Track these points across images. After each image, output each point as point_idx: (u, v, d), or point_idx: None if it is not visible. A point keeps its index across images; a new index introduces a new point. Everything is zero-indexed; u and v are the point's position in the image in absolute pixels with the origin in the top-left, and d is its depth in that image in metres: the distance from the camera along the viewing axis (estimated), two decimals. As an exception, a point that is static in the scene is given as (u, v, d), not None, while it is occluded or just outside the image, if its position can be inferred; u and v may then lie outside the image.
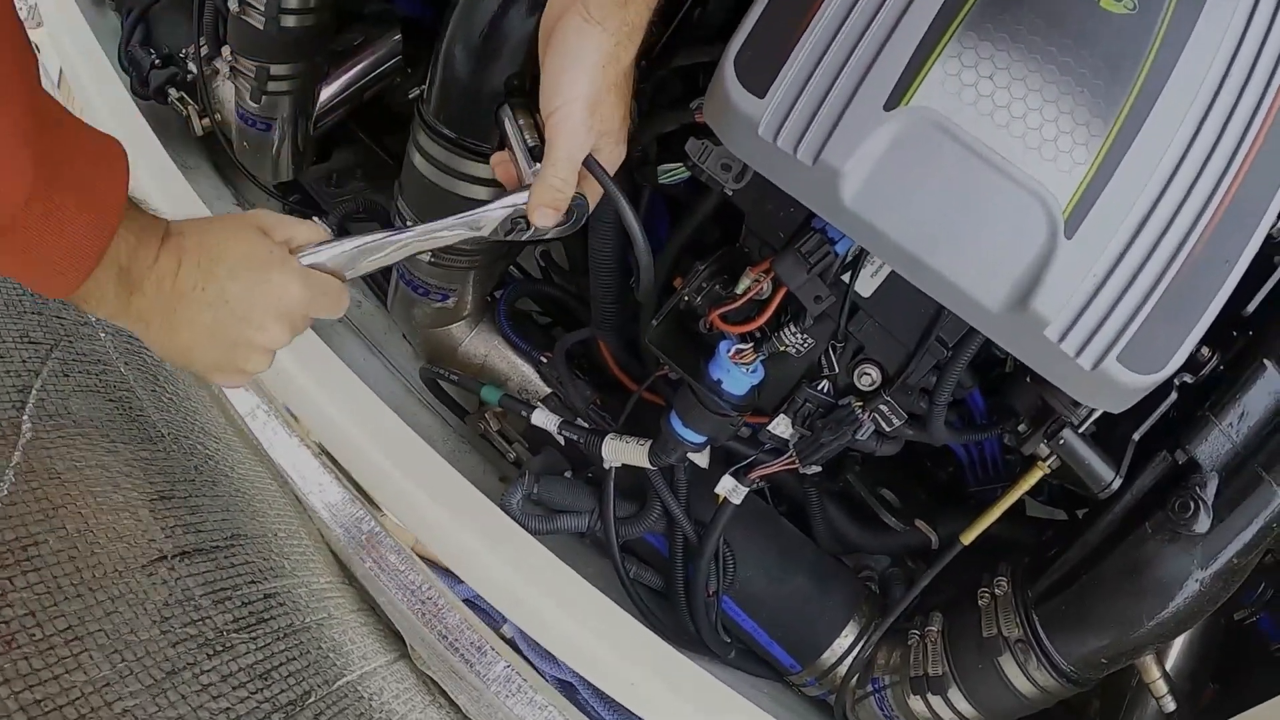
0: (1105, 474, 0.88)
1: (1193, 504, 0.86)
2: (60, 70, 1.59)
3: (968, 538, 0.97)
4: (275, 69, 1.30)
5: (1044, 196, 0.73)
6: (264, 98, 1.33)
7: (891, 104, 0.74)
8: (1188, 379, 0.87)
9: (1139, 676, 1.05)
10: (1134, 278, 0.74)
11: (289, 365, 1.22)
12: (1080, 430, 0.88)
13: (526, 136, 0.93)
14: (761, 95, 0.77)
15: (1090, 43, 0.73)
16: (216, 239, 0.77)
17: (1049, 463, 0.91)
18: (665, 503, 1.12)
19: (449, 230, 0.90)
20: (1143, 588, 0.89)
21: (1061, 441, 0.88)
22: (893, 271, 0.89)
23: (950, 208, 0.75)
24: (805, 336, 0.92)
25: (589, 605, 1.10)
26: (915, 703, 1.06)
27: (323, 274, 0.83)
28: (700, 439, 1.00)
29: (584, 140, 0.81)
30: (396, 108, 1.50)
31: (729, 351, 0.94)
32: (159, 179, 1.38)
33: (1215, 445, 0.86)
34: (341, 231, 1.43)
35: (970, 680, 1.00)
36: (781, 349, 0.93)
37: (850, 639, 1.12)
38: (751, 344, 0.93)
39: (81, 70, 1.56)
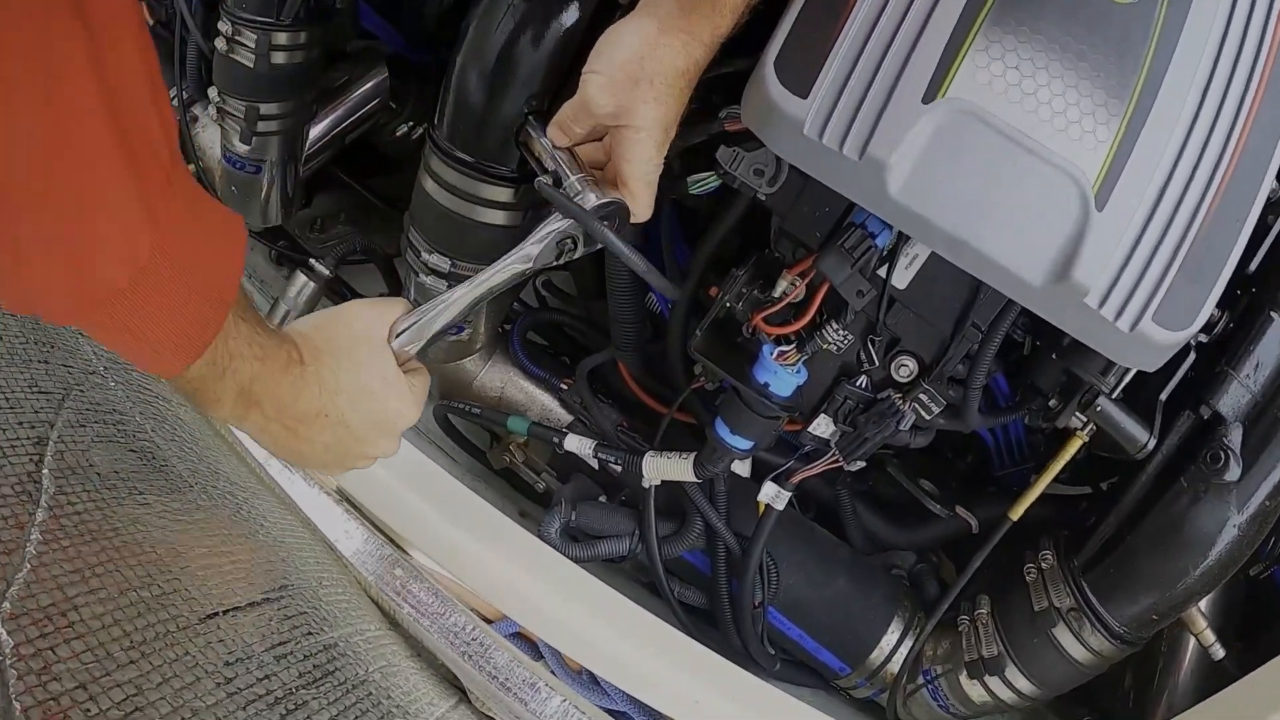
0: (1140, 435, 0.93)
1: (1223, 454, 0.92)
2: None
3: (1015, 513, 1.00)
4: (265, 108, 1.29)
5: (1074, 174, 0.78)
6: (254, 139, 1.31)
7: (929, 97, 0.79)
8: (1203, 338, 0.94)
9: (1167, 643, 1.11)
10: (1160, 241, 0.79)
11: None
12: (1113, 396, 0.93)
13: (560, 154, 0.95)
14: (805, 95, 0.81)
15: (1101, 30, 0.79)
16: (334, 367, 0.78)
17: (1086, 431, 0.95)
18: (706, 516, 1.12)
19: (503, 272, 0.91)
20: (1185, 541, 0.94)
21: (1098, 409, 0.93)
22: (926, 262, 0.93)
23: (990, 191, 0.79)
24: (845, 332, 0.95)
25: (645, 628, 1.09)
26: (973, 687, 1.08)
27: (422, 380, 0.87)
28: (748, 444, 1.01)
29: (593, 105, 0.86)
30: (381, 147, 1.49)
31: (773, 354, 0.96)
32: None
33: (1236, 397, 0.92)
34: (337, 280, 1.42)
35: (1026, 655, 1.03)
36: (824, 347, 0.96)
37: (896, 635, 1.14)
38: (794, 344, 0.96)
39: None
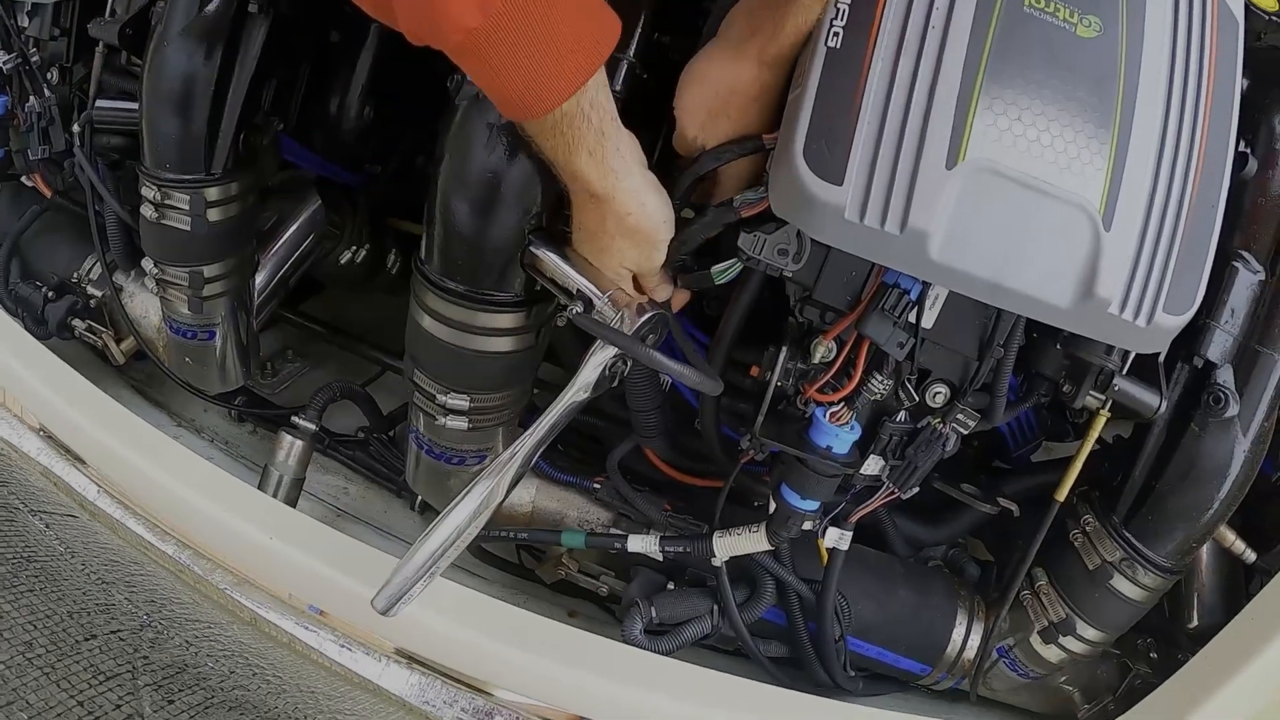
0: (1153, 399, 1.04)
1: (1222, 395, 1.04)
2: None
3: (1060, 494, 1.09)
4: (210, 270, 1.19)
5: (1083, 204, 0.85)
6: (202, 304, 1.19)
7: (951, 162, 0.84)
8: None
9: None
10: (1157, 242, 0.88)
11: (322, 572, 1.13)
12: (1124, 373, 1.03)
13: (573, 269, 0.93)
14: (839, 182, 0.83)
15: (1078, 68, 0.86)
16: None
17: (1107, 408, 1.05)
18: (780, 576, 1.15)
19: (565, 411, 0.89)
20: (1206, 474, 1.06)
21: (1116, 388, 1.02)
22: (947, 299, 0.99)
23: (1015, 234, 0.85)
24: (888, 380, 1.00)
25: (748, 695, 1.11)
26: (1048, 650, 1.18)
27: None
28: (816, 505, 1.05)
29: (684, 139, 0.94)
30: (320, 276, 1.40)
31: (826, 416, 0.99)
32: (97, 417, 1.22)
33: (1220, 343, 1.05)
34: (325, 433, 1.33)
35: (1091, 609, 1.14)
36: (872, 398, 1.00)
37: (964, 625, 1.22)
38: (844, 404, 1.00)
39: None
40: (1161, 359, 1.06)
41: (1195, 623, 1.25)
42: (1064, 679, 1.27)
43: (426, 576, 0.92)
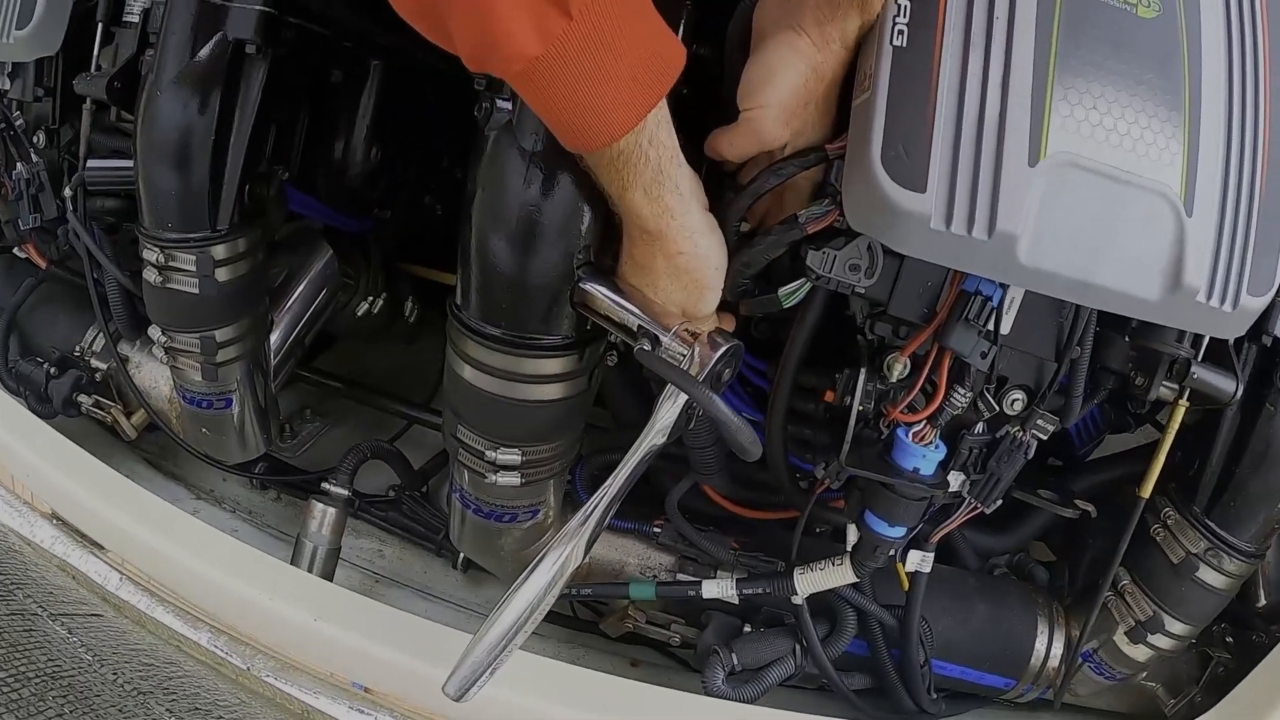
0: (1229, 384, 1.01)
1: (1296, 372, 1.02)
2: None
3: (1145, 491, 1.06)
4: (222, 334, 1.11)
5: (1164, 191, 0.82)
6: (217, 371, 1.11)
7: (1033, 159, 0.80)
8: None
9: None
10: (1236, 225, 0.86)
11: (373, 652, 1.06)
12: (1200, 360, 1.00)
13: (631, 306, 0.88)
14: (922, 190, 0.79)
15: (1143, 52, 0.84)
16: None
17: (1185, 396, 1.02)
18: (860, 605, 1.10)
19: (645, 454, 0.83)
20: (1284, 453, 1.04)
21: (1194, 376, 1.00)
22: (1023, 301, 0.95)
23: (1101, 228, 0.82)
24: (968, 392, 0.96)
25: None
26: (1136, 650, 1.14)
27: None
28: (904, 531, 1.00)
29: (770, 140, 0.87)
30: (337, 330, 1.32)
31: (909, 436, 0.95)
32: (112, 497, 1.14)
33: (1287, 318, 1.03)
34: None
35: (1179, 603, 1.10)
36: (955, 413, 0.96)
37: (1046, 634, 1.18)
38: (927, 422, 0.95)
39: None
40: (1231, 343, 1.04)
41: (1264, 601, 1.23)
42: (1146, 676, 1.24)
43: (503, 654, 0.86)
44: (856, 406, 0.94)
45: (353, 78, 1.25)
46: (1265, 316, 1.03)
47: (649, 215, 0.83)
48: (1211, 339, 1.03)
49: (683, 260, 0.86)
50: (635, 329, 0.88)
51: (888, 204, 0.79)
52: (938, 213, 0.79)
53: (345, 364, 1.52)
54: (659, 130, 0.78)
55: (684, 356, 0.86)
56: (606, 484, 0.85)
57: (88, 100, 1.24)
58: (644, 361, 0.87)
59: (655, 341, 0.87)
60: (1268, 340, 1.03)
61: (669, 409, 0.85)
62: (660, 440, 0.86)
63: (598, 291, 0.90)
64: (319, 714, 1.03)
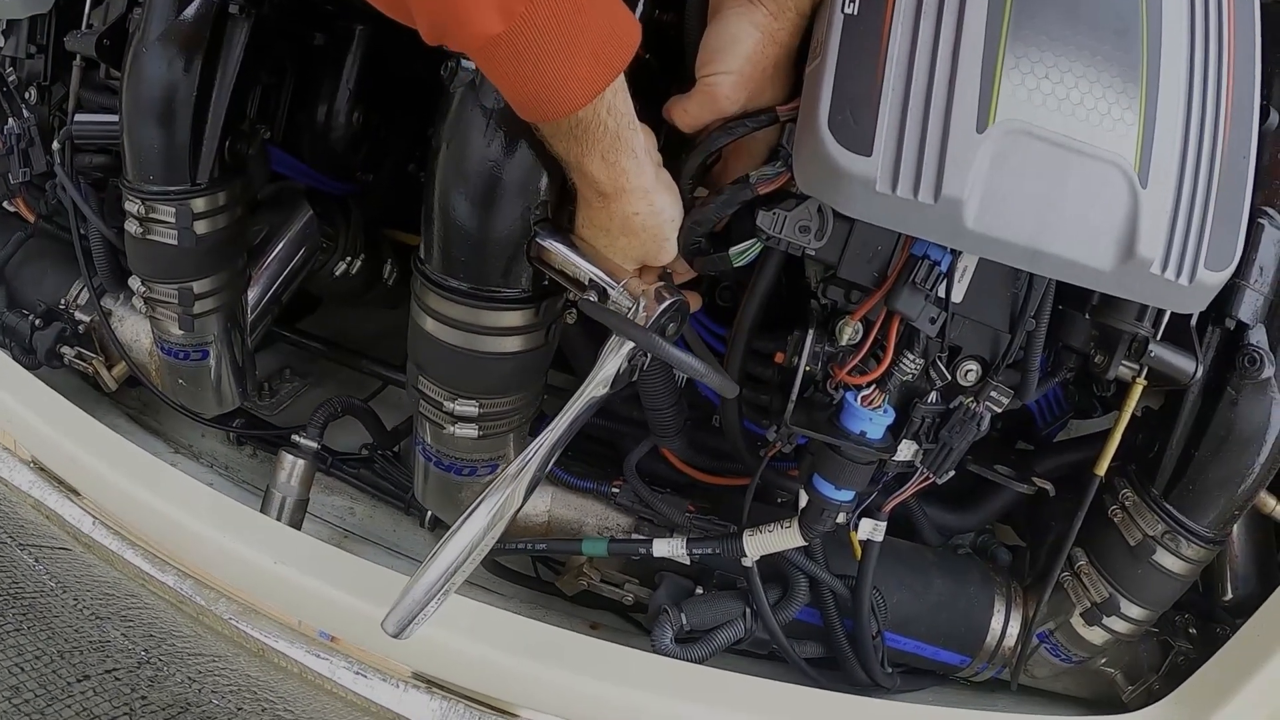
0: (1189, 364, 1.01)
1: (1258, 356, 1.01)
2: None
3: (1100, 469, 1.06)
4: (199, 286, 1.14)
5: (1118, 161, 0.82)
6: (194, 322, 1.14)
7: (982, 125, 0.80)
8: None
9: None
10: (1194, 197, 0.85)
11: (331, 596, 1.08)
12: (1159, 339, 1.00)
13: (584, 259, 0.89)
14: (868, 153, 0.80)
15: (1100, 21, 0.84)
16: None
17: (1143, 375, 1.02)
18: (814, 574, 1.11)
19: (586, 406, 0.84)
20: (1245, 438, 1.03)
21: (1152, 354, 0.99)
22: (975, 270, 0.95)
23: (1052, 197, 0.82)
24: (918, 359, 0.96)
25: (784, 699, 1.07)
26: (1091, 632, 1.14)
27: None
28: (852, 494, 1.00)
29: (726, 107, 0.88)
30: (317, 290, 1.35)
31: (858, 400, 0.95)
32: (90, 445, 1.17)
33: (1250, 303, 1.02)
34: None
35: (1135, 586, 1.10)
36: (904, 378, 0.96)
37: (1002, 613, 1.18)
38: (875, 386, 0.96)
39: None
40: (1193, 323, 1.03)
41: (1230, 595, 1.23)
42: (1105, 661, 1.23)
43: (440, 595, 0.87)
44: (803, 367, 0.95)
45: (337, 41, 1.27)
46: (1228, 299, 1.03)
47: (605, 180, 0.84)
48: (1174, 320, 1.03)
49: (638, 220, 0.87)
50: (586, 281, 0.90)
51: (833, 166, 0.80)
52: (883, 176, 0.80)
53: (328, 328, 1.55)
54: (616, 99, 0.80)
55: (630, 308, 0.87)
56: (546, 430, 0.87)
57: (78, 57, 1.28)
58: (588, 312, 0.89)
59: (603, 295, 0.89)
60: (1231, 323, 1.03)
61: (613, 360, 0.86)
62: (603, 391, 0.87)
63: (552, 246, 0.92)
64: (275, 652, 1.05)
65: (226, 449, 1.46)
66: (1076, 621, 1.15)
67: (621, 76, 0.78)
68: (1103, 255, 0.84)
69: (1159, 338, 1.00)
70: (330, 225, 1.30)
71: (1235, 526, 1.21)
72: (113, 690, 0.83)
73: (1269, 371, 1.02)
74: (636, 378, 0.89)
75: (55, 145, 1.28)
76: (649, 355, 0.89)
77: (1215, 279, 0.86)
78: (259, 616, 1.11)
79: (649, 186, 0.86)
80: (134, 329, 1.31)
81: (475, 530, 0.85)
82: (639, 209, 0.86)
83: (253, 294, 1.23)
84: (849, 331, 0.95)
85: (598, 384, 0.86)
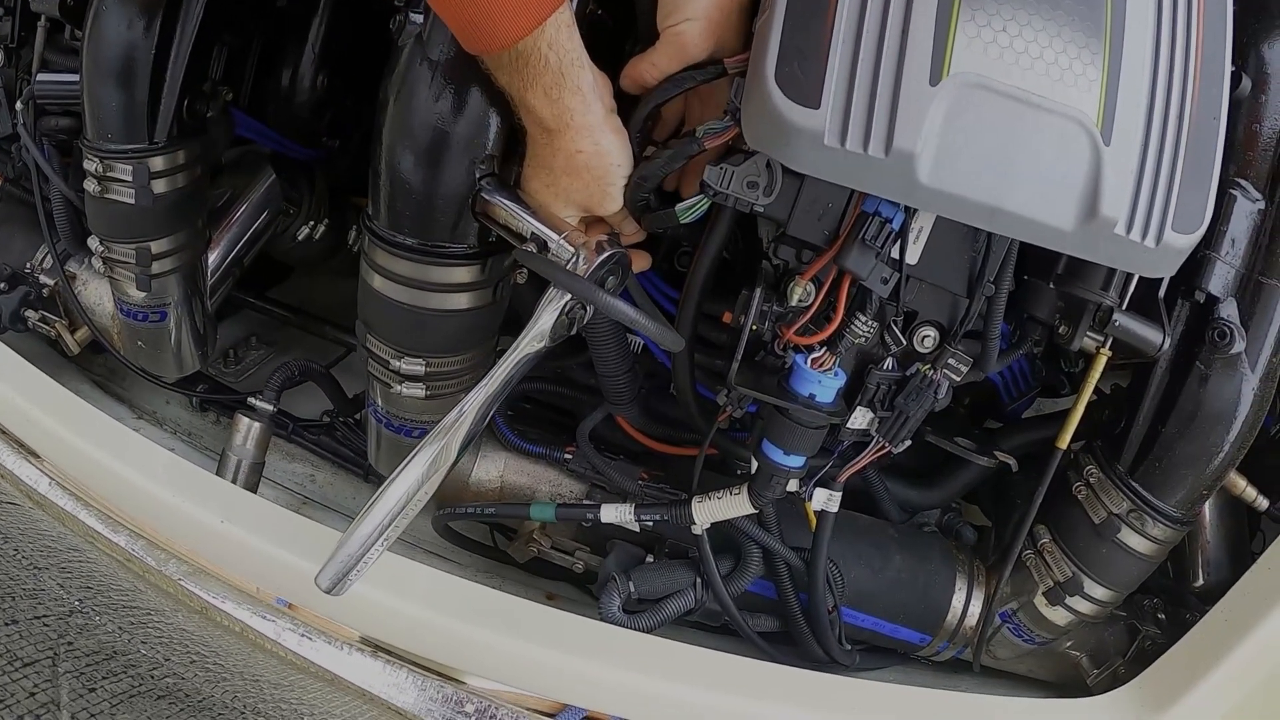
0: (1156, 336, 0.98)
1: (1228, 330, 0.98)
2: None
3: (1062, 442, 1.03)
4: (157, 246, 1.13)
5: (1079, 117, 0.79)
6: (151, 283, 1.13)
7: (935, 78, 0.78)
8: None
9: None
10: (1160, 156, 0.83)
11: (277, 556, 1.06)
12: (1124, 309, 0.97)
13: (529, 211, 0.88)
14: (816, 106, 0.77)
15: (1064, -25, 0.81)
16: None
17: (1108, 346, 0.99)
18: (766, 544, 1.09)
19: (520, 361, 0.83)
20: (1215, 415, 1.00)
21: (1117, 324, 0.96)
22: (932, 231, 0.92)
23: (1010, 153, 0.79)
24: (872, 322, 0.94)
25: (735, 672, 1.04)
26: (1054, 612, 1.11)
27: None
28: (802, 460, 0.98)
29: (694, 54, 0.87)
30: (279, 255, 1.33)
31: (808, 362, 0.93)
32: (50, 408, 1.17)
33: (1221, 275, 0.99)
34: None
35: (1099, 566, 1.07)
36: (856, 340, 0.94)
37: (964, 591, 1.16)
38: (825, 348, 0.94)
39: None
40: (1162, 294, 1.00)
41: (1201, 581, 1.20)
42: (1070, 644, 1.21)
43: (375, 549, 0.85)
44: (750, 325, 0.92)
45: (302, 6, 1.26)
46: (1198, 271, 1.00)
47: (549, 115, 0.83)
48: (1142, 293, 1.00)
49: (582, 159, 0.86)
50: (528, 235, 0.88)
51: (780, 120, 0.78)
52: (832, 129, 0.77)
53: (296, 296, 1.54)
54: (559, 34, 0.78)
55: (570, 260, 0.85)
56: (481, 383, 0.85)
57: (42, 17, 1.27)
58: (524, 262, 0.87)
59: (543, 247, 0.87)
60: (1200, 296, 1.00)
61: (549, 312, 0.84)
62: (540, 344, 0.85)
63: (497, 200, 0.90)
64: (218, 610, 1.04)
65: (190, 415, 1.45)
66: (1039, 601, 1.12)
67: (568, 14, 0.78)
68: (1064, 214, 0.81)
69: (1125, 308, 0.97)
70: (294, 190, 1.29)
71: (1207, 510, 1.19)
72: (39, 635, 0.82)
73: (1239, 347, 0.98)
74: (576, 331, 0.87)
75: (18, 106, 1.28)
76: (589, 309, 0.87)
77: (1184, 242, 0.83)
78: (207, 578, 1.10)
79: (594, 125, 0.85)
80: (97, 293, 1.30)
81: (410, 482, 0.83)
82: (583, 146, 0.85)
83: (213, 257, 1.22)
84: (799, 292, 0.92)
85: (534, 337, 0.84)
